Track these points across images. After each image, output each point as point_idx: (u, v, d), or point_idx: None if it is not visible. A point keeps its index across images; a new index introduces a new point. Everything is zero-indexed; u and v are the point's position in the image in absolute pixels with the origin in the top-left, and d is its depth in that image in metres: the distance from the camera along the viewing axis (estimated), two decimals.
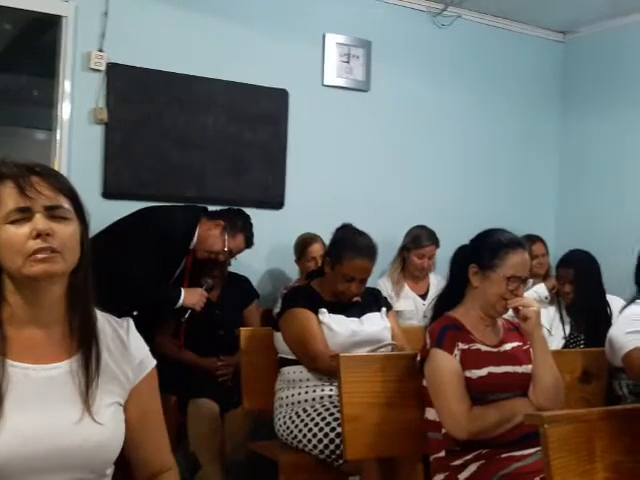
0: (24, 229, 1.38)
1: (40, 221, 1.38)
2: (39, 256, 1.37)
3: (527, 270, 2.52)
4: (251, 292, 4.12)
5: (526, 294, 2.63)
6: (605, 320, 3.69)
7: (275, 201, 4.57)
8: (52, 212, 1.40)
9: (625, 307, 3.21)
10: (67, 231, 1.41)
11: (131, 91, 4.09)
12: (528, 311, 2.44)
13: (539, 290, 4.23)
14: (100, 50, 3.98)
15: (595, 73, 5.35)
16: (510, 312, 2.53)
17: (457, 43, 5.16)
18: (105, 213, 3.61)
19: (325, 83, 4.73)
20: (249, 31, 4.44)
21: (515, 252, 2.47)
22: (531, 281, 4.06)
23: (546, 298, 4.20)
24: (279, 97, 4.55)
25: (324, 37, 4.71)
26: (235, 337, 3.41)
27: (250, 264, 4.23)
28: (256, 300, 4.11)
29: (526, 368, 2.50)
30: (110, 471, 1.47)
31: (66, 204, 1.43)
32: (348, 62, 4.79)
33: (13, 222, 1.38)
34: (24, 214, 1.38)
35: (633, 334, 3.02)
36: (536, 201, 5.50)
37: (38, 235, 1.37)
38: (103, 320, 1.52)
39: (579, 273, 3.94)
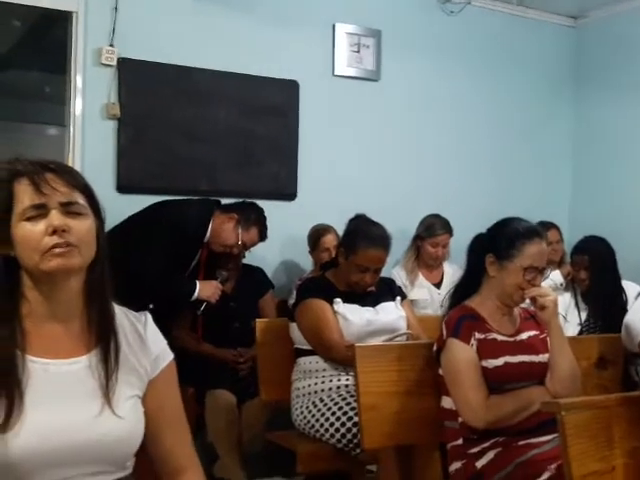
0: (40, 226, 1.38)
1: (56, 217, 1.39)
2: (56, 251, 1.38)
3: (545, 260, 2.50)
4: (266, 282, 4.12)
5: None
6: (621, 306, 3.67)
7: (287, 193, 4.57)
8: (67, 208, 1.41)
9: None
10: (83, 226, 1.42)
11: (143, 85, 4.10)
12: (545, 300, 2.43)
13: (554, 277, 4.22)
14: (111, 45, 3.99)
15: (607, 57, 5.31)
16: (527, 300, 2.52)
17: (467, 30, 5.13)
18: (119, 207, 3.62)
19: (336, 73, 4.72)
20: (258, 22, 4.43)
21: (532, 242, 2.46)
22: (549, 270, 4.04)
23: (561, 285, 4.18)
24: (290, 88, 4.54)
25: (334, 27, 4.69)
26: (251, 329, 3.42)
27: (264, 256, 4.24)
28: (271, 290, 4.12)
29: (543, 357, 2.50)
30: (130, 463, 1.48)
31: (81, 200, 1.44)
32: (358, 52, 4.78)
33: (29, 219, 1.39)
34: (40, 211, 1.39)
35: None
36: (549, 187, 5.48)
37: (54, 231, 1.38)
38: (121, 314, 1.53)
39: (594, 259, 3.92)
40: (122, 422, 1.42)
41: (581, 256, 3.98)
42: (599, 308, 3.92)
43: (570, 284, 4.16)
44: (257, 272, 4.11)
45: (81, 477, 1.38)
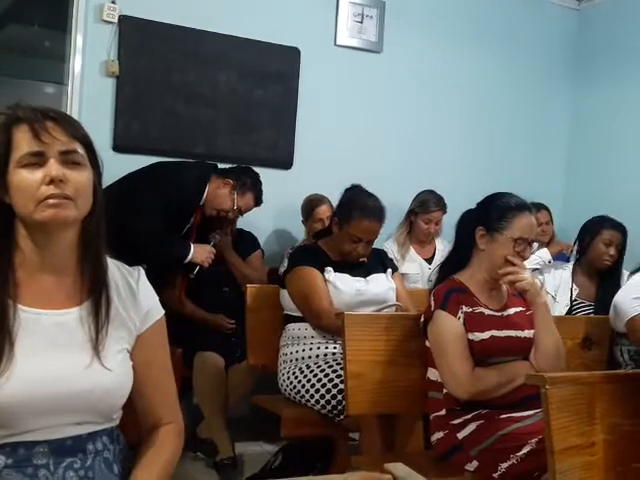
0: (37, 174, 1.37)
1: (54, 167, 1.37)
2: (51, 202, 1.36)
3: (534, 232, 2.53)
4: (254, 244, 4.09)
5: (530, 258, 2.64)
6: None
7: (284, 161, 4.56)
8: (66, 157, 1.39)
9: (633, 273, 3.22)
10: (81, 178, 1.40)
11: (143, 44, 4.07)
12: (523, 285, 2.45)
13: (542, 255, 4.23)
14: (113, 2, 3.95)
15: (609, 42, 5.29)
16: None
17: (471, 6, 5.10)
18: (114, 167, 3.57)
19: (338, 43, 4.70)
20: None
21: (522, 214, 2.48)
22: (536, 245, 3.99)
23: (549, 262, 4.19)
24: (291, 55, 4.52)
25: None
26: (241, 293, 3.42)
27: (257, 224, 4.23)
28: (259, 250, 4.09)
29: (528, 333, 2.53)
30: (117, 416, 1.50)
31: (80, 150, 1.42)
32: (361, 22, 4.75)
33: (26, 166, 1.37)
34: (37, 159, 1.37)
35: (639, 300, 3.04)
36: (544, 168, 5.47)
37: (51, 181, 1.36)
38: (114, 268, 1.53)
39: (625, 239, 3.78)
40: (111, 374, 1.42)
41: (617, 233, 3.79)
42: (611, 287, 3.78)
43: (573, 263, 4.03)
44: (247, 235, 4.09)
45: (68, 426, 1.39)
